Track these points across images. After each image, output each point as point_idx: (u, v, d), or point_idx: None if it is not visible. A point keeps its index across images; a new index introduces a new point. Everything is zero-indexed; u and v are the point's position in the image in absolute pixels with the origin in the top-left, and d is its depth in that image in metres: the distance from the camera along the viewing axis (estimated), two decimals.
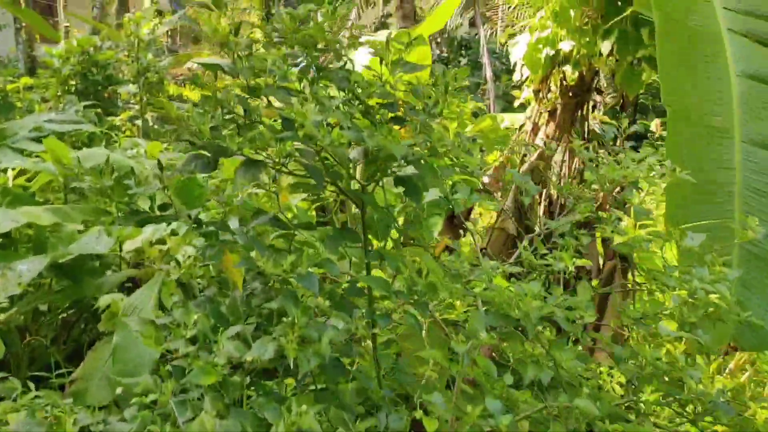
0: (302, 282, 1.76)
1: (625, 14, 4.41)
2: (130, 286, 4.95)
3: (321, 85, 2.25)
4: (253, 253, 1.82)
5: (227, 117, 1.95)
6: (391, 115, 2.18)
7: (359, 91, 2.21)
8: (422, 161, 1.92)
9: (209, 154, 1.89)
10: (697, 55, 3.31)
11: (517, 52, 5.35)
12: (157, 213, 2.03)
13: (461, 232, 6.13)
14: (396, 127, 2.06)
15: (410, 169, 2.11)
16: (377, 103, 2.21)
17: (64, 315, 4.97)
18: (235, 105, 2.05)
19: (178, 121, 1.82)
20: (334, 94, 2.26)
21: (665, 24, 3.22)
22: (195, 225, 2.00)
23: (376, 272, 2.46)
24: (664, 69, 3.18)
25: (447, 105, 2.05)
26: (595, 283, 5.27)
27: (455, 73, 2.18)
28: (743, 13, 3.66)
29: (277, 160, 1.89)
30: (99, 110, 10.14)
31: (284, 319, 1.68)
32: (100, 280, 4.77)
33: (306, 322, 1.68)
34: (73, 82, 10.94)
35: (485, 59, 15.64)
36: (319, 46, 2.28)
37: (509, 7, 20.00)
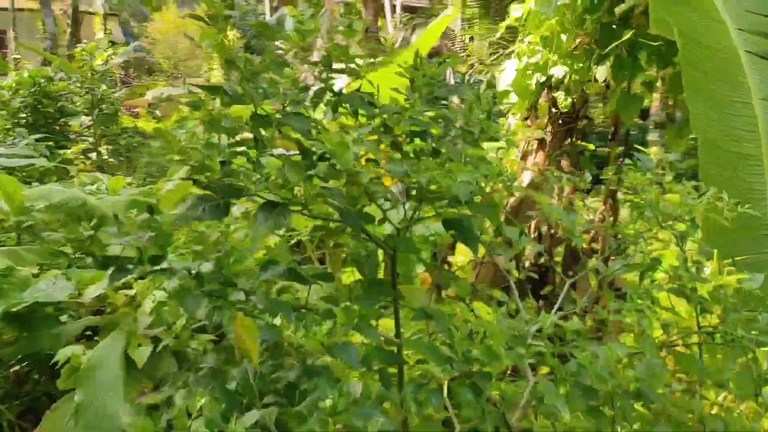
0: (341, 355, 1.41)
1: (624, 38, 4.19)
2: (89, 334, 4.52)
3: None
4: (277, 320, 1.46)
5: (236, 148, 1.60)
6: (421, 144, 1.85)
7: (381, 117, 1.89)
8: (481, 200, 1.60)
9: (218, 196, 1.52)
10: (721, 80, 3.08)
11: (504, 78, 5.10)
12: (149, 267, 1.67)
13: (445, 266, 5.82)
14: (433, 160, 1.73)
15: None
16: (402, 133, 1.89)
17: (17, 368, 4.50)
18: (237, 134, 1.70)
19: (181, 155, 1.45)
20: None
21: (688, 49, 3.00)
22: (195, 281, 1.62)
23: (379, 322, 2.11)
24: (690, 95, 2.95)
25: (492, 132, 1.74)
26: (589, 319, 5.03)
27: (493, 94, 1.87)
28: (756, 34, 3.47)
29: (304, 201, 1.52)
30: (51, 143, 9.70)
31: (320, 403, 1.32)
32: (58, 329, 4.31)
33: (347, 405, 1.33)
34: (24, 115, 10.48)
35: None
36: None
37: (469, 39, 20.09)
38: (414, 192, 1.57)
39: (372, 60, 2.00)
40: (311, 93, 1.98)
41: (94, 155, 12.08)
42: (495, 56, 19.56)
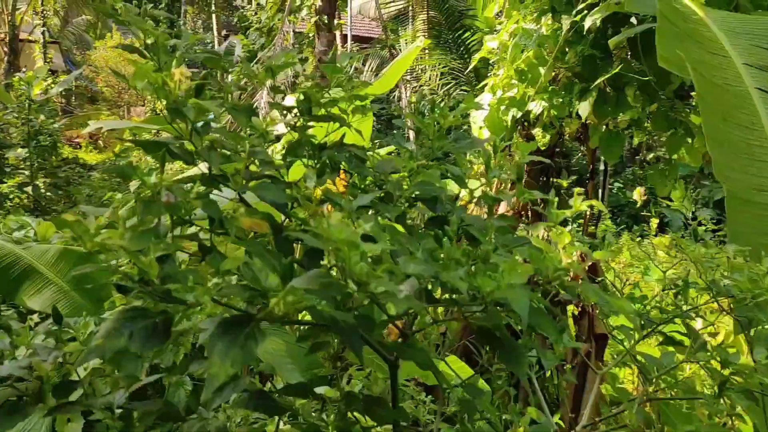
0: None
1: (611, 73, 3.86)
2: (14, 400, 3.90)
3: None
4: None
5: (181, 233, 1.13)
6: (430, 215, 1.41)
7: (375, 177, 1.45)
8: (542, 308, 1.15)
9: (155, 311, 1.04)
10: (737, 122, 2.74)
11: (479, 114, 4.72)
12: (51, 402, 1.18)
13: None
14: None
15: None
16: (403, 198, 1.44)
17: None
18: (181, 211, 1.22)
19: (103, 252, 0.96)
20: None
21: (704, 89, 2.66)
22: (120, 422, 1.14)
23: None
24: (710, 141, 2.61)
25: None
26: (568, 368, 4.71)
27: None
28: (765, 69, 3.16)
29: (281, 312, 1.04)
30: None
31: None
32: None
33: None
34: None
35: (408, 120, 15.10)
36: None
37: (421, 69, 20.00)
38: (437, 295, 1.12)
39: (363, 105, 1.55)
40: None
41: (30, 189, 11.39)
42: (447, 86, 19.51)
